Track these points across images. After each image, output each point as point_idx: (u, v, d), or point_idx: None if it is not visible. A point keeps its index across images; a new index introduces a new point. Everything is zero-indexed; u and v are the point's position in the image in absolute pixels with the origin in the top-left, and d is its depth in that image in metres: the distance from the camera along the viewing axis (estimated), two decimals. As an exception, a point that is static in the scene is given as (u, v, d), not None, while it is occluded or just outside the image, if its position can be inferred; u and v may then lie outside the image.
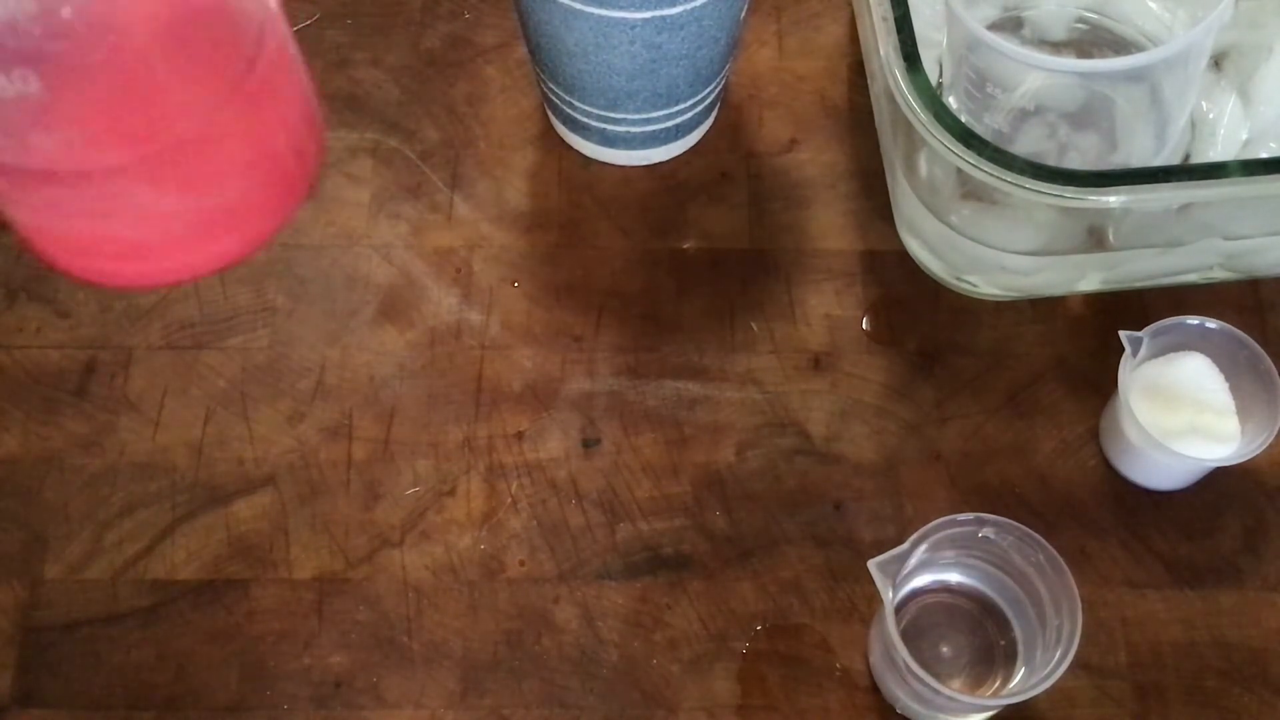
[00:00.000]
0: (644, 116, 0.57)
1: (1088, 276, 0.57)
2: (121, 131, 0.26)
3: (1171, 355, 0.54)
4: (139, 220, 0.27)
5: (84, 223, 0.27)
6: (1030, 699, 0.45)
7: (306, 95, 0.30)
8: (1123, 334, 0.52)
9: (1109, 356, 0.54)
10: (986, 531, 0.47)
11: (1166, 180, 0.48)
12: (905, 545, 0.45)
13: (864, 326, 0.58)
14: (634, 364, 0.57)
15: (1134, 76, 0.55)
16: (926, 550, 0.48)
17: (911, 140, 0.54)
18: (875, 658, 0.51)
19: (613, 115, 0.57)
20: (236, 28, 0.26)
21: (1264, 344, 0.51)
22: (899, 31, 0.49)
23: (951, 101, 0.56)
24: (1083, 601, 0.45)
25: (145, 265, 0.30)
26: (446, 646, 0.52)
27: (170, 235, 0.28)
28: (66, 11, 0.24)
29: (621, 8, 0.49)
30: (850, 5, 0.65)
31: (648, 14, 0.49)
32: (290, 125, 0.29)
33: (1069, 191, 0.47)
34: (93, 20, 0.25)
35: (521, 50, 0.64)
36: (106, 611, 0.52)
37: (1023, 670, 0.50)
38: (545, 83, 0.58)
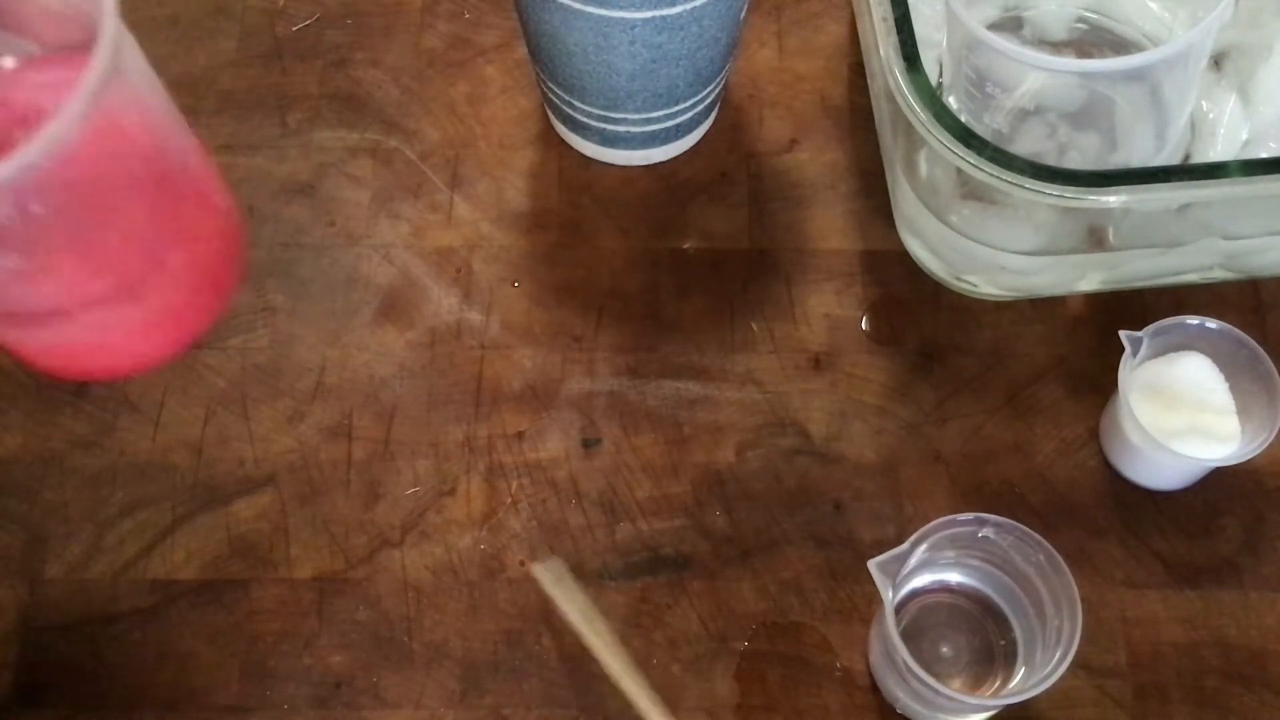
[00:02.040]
0: (644, 116, 0.57)
1: (1088, 276, 0.57)
2: (89, 271, 0.29)
3: (1171, 355, 0.54)
4: (101, 330, 0.31)
5: (46, 334, 0.31)
6: (1030, 699, 0.45)
7: (231, 206, 0.34)
8: (1123, 334, 0.52)
9: (1109, 356, 0.54)
10: (986, 531, 0.47)
11: (1166, 180, 0.48)
12: (905, 545, 0.45)
13: (864, 326, 0.58)
14: (634, 364, 0.57)
15: (1134, 76, 0.55)
16: (926, 550, 0.48)
17: (911, 140, 0.54)
18: (875, 658, 0.51)
19: (613, 115, 0.57)
20: (169, 166, 0.29)
21: (1264, 344, 0.51)
22: (899, 31, 0.49)
23: (951, 101, 0.56)
24: (1083, 601, 0.45)
25: (100, 363, 0.34)
26: (446, 646, 0.52)
27: (121, 339, 0.32)
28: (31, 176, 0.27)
29: (621, 8, 0.49)
30: (850, 5, 0.65)
31: (648, 14, 0.49)
32: (223, 235, 0.33)
33: (1069, 191, 0.47)
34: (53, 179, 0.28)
35: (521, 50, 0.64)
36: (106, 611, 0.52)
37: (1023, 670, 0.50)
38: (545, 83, 0.58)
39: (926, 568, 0.51)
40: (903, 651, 0.44)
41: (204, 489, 0.54)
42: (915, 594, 0.52)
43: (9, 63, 0.31)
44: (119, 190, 0.28)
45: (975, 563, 0.51)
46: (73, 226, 0.28)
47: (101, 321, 0.31)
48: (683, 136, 0.61)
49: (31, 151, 0.26)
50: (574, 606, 0.44)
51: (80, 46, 0.30)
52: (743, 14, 0.54)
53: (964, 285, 0.58)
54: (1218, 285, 0.59)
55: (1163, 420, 0.52)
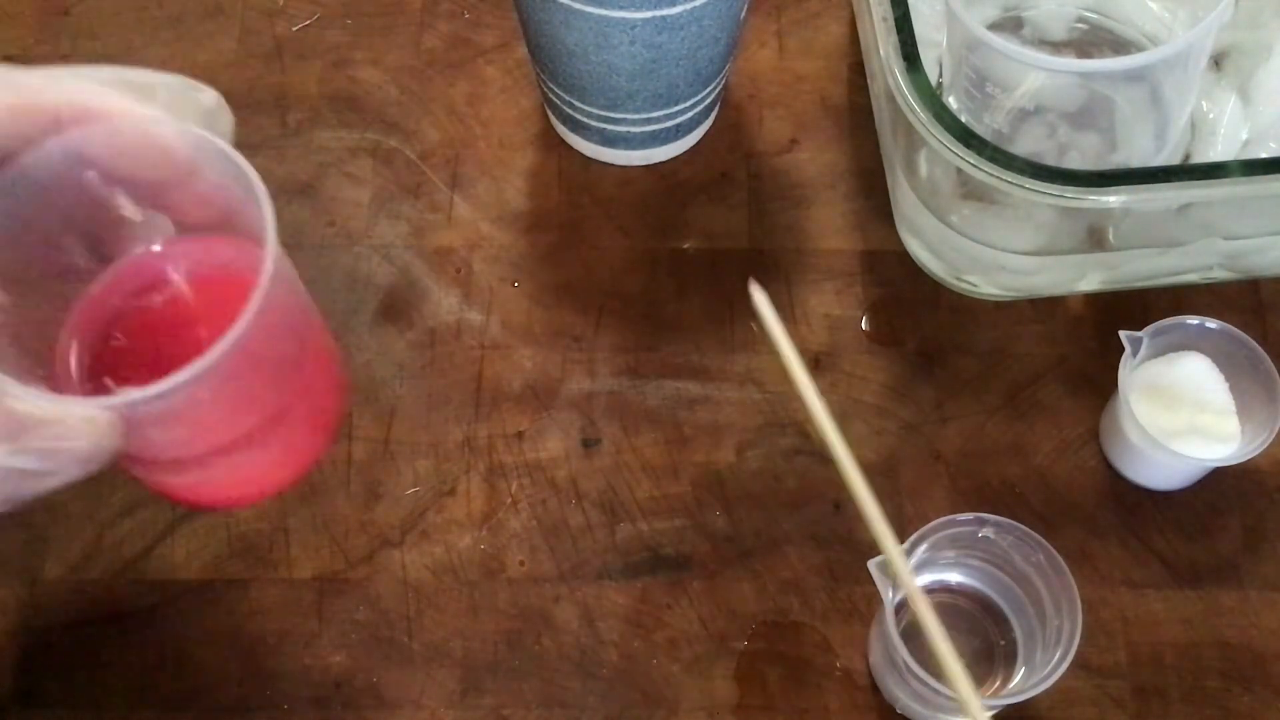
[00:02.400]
0: (644, 116, 0.57)
1: (1088, 276, 0.57)
2: (231, 431, 0.32)
3: (1171, 355, 0.54)
4: (228, 472, 0.34)
5: (179, 478, 0.34)
6: (1030, 699, 0.45)
7: (337, 349, 0.37)
8: (1123, 334, 0.52)
9: (1109, 356, 0.54)
10: (986, 531, 0.47)
11: (1166, 180, 0.48)
12: (905, 545, 0.45)
13: (864, 326, 0.58)
14: (634, 364, 0.57)
15: (1134, 76, 0.56)
16: (926, 550, 0.48)
17: (911, 140, 0.54)
18: (875, 658, 0.51)
19: (613, 115, 0.57)
20: (299, 328, 0.31)
21: (1264, 344, 0.51)
22: (899, 31, 0.49)
23: (951, 101, 0.56)
24: (1083, 601, 0.45)
25: (225, 497, 0.38)
26: (446, 646, 0.52)
27: (247, 478, 0.35)
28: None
29: (621, 8, 0.49)
30: (850, 5, 0.65)
31: (648, 14, 0.49)
32: (335, 379, 0.37)
33: (1069, 191, 0.47)
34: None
35: (521, 50, 0.64)
36: (106, 611, 0.52)
37: (1023, 670, 0.50)
38: (545, 83, 0.58)
39: (926, 568, 0.51)
40: (903, 651, 0.44)
41: (204, 489, 0.55)
42: (915, 594, 0.52)
43: (156, 247, 0.34)
44: (266, 360, 0.31)
45: (975, 563, 0.51)
46: (228, 399, 0.31)
47: (230, 466, 0.34)
48: (683, 136, 0.61)
49: (216, 352, 0.28)
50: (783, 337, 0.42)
51: (216, 226, 0.33)
52: (743, 14, 0.54)
53: (964, 285, 0.58)
54: (1218, 285, 0.59)
55: (1163, 420, 0.52)
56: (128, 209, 0.32)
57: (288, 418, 0.33)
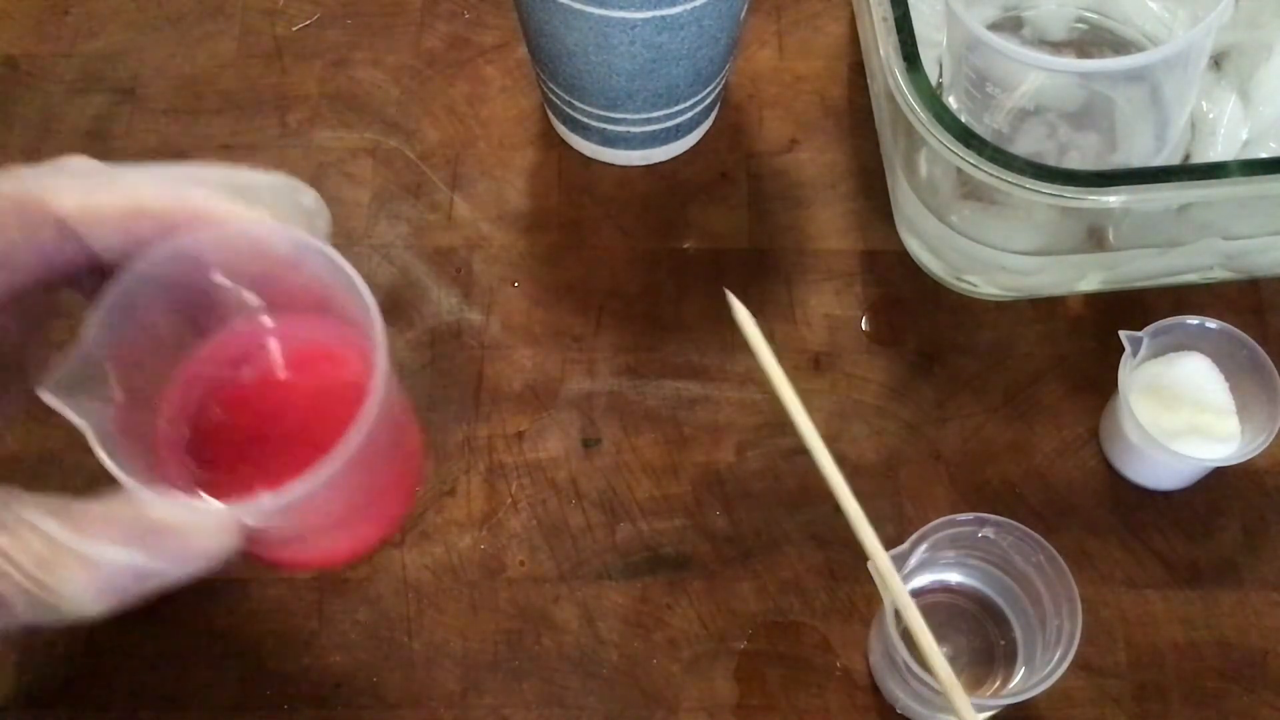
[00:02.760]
0: (644, 116, 0.57)
1: (1088, 276, 0.57)
2: (333, 516, 0.33)
3: (1171, 355, 0.54)
4: (323, 542, 0.36)
5: (279, 551, 0.36)
6: (1030, 699, 0.45)
7: (419, 427, 0.38)
8: (1123, 334, 0.52)
9: (1109, 356, 0.54)
10: (986, 531, 0.47)
11: (1166, 180, 0.48)
12: (905, 545, 0.46)
13: (864, 326, 0.58)
14: (634, 364, 0.57)
15: (1134, 76, 0.56)
16: (926, 550, 0.48)
17: (911, 140, 0.54)
18: (875, 658, 0.51)
19: (613, 115, 0.57)
20: (394, 417, 0.32)
21: (1264, 344, 0.51)
22: (899, 31, 0.49)
23: (951, 101, 0.56)
24: (1083, 601, 0.45)
25: (318, 560, 0.40)
26: (446, 646, 0.52)
27: (339, 546, 0.37)
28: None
29: (621, 8, 0.49)
30: (850, 5, 0.65)
31: (648, 14, 0.49)
32: (418, 457, 0.38)
33: (1069, 191, 0.47)
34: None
35: (521, 50, 0.64)
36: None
37: (1023, 670, 0.50)
38: (545, 83, 0.58)
39: (926, 568, 0.51)
40: (903, 651, 0.44)
41: (204, 489, 0.54)
42: (915, 594, 0.52)
43: (254, 321, 0.36)
44: (375, 448, 0.32)
45: (975, 563, 0.51)
46: (339, 490, 0.32)
47: (330, 538, 0.35)
48: (683, 136, 0.61)
49: (339, 457, 0.30)
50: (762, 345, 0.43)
51: (311, 308, 0.34)
52: (743, 14, 0.54)
53: (964, 285, 0.58)
54: (1218, 285, 0.59)
55: (1163, 420, 0.52)
56: (231, 296, 0.34)
57: (386, 488, 0.35)
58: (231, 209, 0.32)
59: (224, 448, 0.34)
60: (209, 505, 0.31)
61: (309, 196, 0.34)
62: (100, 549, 0.30)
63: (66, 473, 0.55)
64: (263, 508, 0.30)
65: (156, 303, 0.32)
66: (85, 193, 0.31)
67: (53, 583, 0.31)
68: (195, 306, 0.33)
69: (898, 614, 0.44)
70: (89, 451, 0.55)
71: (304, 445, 0.33)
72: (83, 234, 0.31)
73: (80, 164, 0.33)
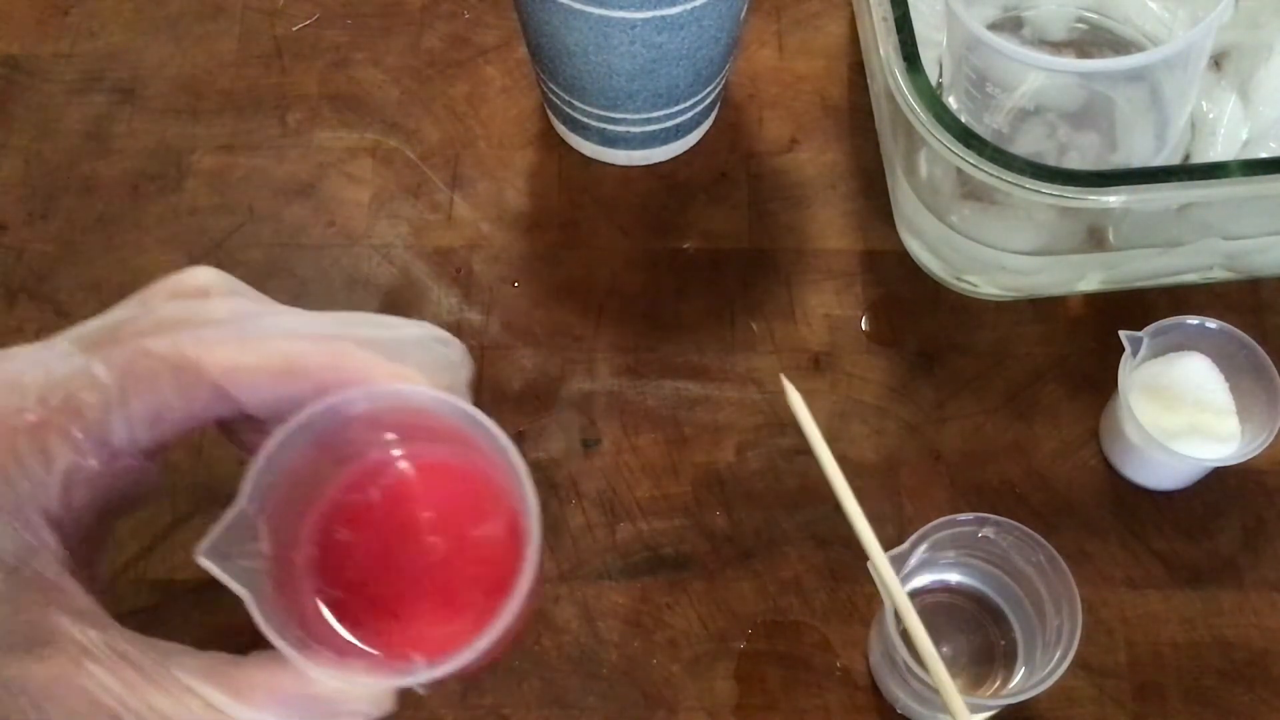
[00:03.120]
0: (644, 116, 0.57)
1: (1088, 276, 0.57)
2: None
3: (1171, 355, 0.54)
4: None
5: None
6: (1030, 699, 0.45)
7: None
8: (1123, 334, 0.52)
9: (1109, 356, 0.54)
10: (986, 531, 0.47)
11: (1166, 180, 0.48)
12: (905, 545, 0.45)
13: (864, 326, 0.58)
14: (634, 364, 0.57)
15: (1134, 76, 0.56)
16: (926, 550, 0.48)
17: (911, 140, 0.54)
18: (875, 658, 0.51)
19: (613, 115, 0.57)
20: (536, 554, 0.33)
21: (1264, 344, 0.51)
22: (899, 31, 0.49)
23: (951, 101, 0.56)
24: (1083, 601, 0.45)
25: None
26: (446, 646, 0.52)
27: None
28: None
29: (621, 8, 0.49)
30: (850, 5, 0.65)
31: (648, 14, 0.49)
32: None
33: (1069, 191, 0.47)
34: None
35: (521, 50, 0.64)
36: (107, 611, 0.52)
37: (1023, 670, 0.50)
38: (545, 83, 0.58)
39: (926, 568, 0.51)
40: (903, 651, 0.44)
41: (204, 489, 0.54)
42: (915, 594, 0.52)
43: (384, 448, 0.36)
44: (524, 595, 0.33)
45: (975, 563, 0.51)
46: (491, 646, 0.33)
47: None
48: (683, 136, 0.61)
49: (502, 622, 0.31)
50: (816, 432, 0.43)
51: (433, 438, 0.35)
52: (743, 14, 0.54)
53: (964, 285, 0.58)
54: (1218, 285, 0.59)
55: (1163, 420, 0.52)
56: (373, 435, 0.35)
57: (524, 621, 0.35)
58: (380, 369, 0.32)
59: (352, 567, 0.35)
60: (370, 678, 0.32)
61: (455, 349, 0.35)
62: (265, 719, 0.31)
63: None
64: (420, 677, 0.31)
65: (303, 451, 0.32)
66: (238, 353, 0.32)
67: None
68: (335, 446, 0.34)
69: (898, 614, 0.44)
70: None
71: (434, 565, 0.34)
72: (235, 395, 0.32)
73: (207, 276, 0.33)
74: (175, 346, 0.31)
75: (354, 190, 0.61)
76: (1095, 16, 0.60)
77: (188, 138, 0.62)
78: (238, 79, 0.64)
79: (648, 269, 0.59)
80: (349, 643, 0.34)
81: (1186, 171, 0.48)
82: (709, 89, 0.57)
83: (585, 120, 0.58)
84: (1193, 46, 0.50)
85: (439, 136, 0.62)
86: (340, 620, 0.34)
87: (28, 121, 0.63)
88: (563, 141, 0.62)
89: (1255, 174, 0.47)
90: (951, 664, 0.51)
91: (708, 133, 0.62)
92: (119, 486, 0.33)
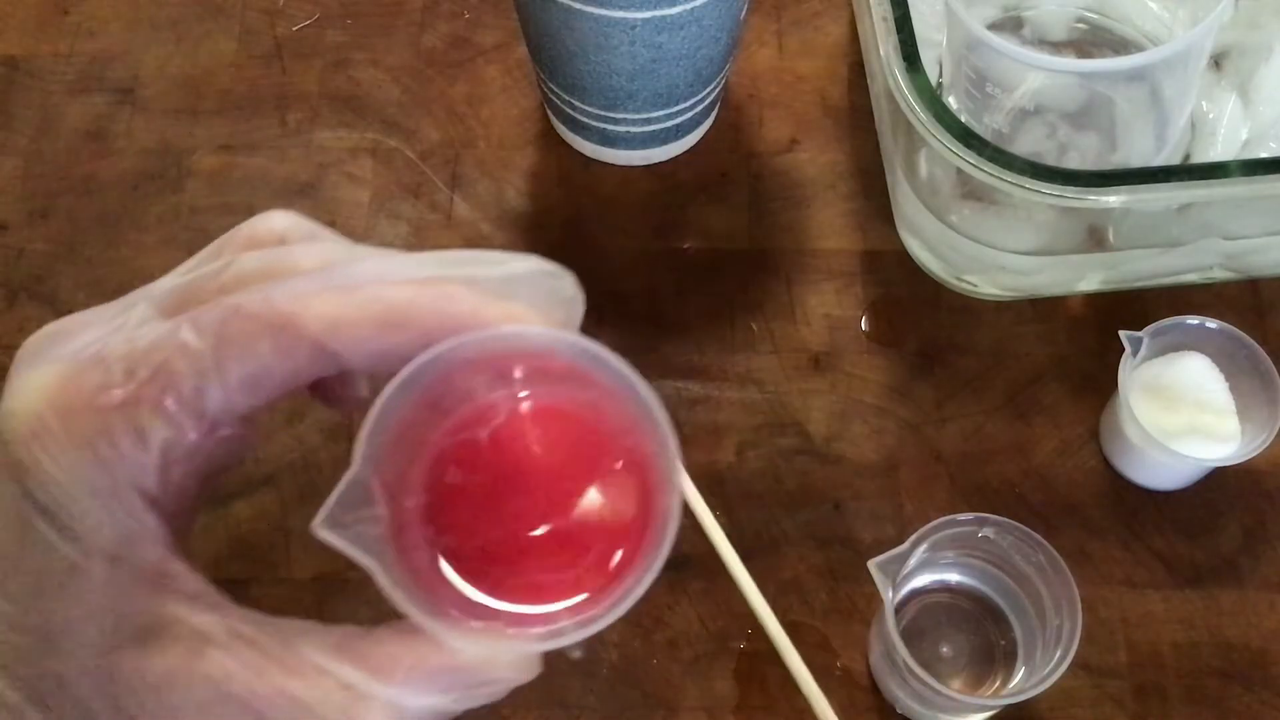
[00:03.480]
0: (644, 116, 0.57)
1: (1088, 276, 0.57)
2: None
3: (1171, 355, 0.54)
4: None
5: None
6: (1030, 699, 0.45)
7: None
8: (1123, 334, 0.52)
9: (1109, 356, 0.54)
10: (986, 531, 0.47)
11: (1166, 180, 0.48)
12: (905, 545, 0.45)
13: (864, 326, 0.58)
14: (634, 364, 0.57)
15: (1134, 76, 0.56)
16: (926, 550, 0.48)
17: (911, 140, 0.54)
18: (875, 658, 0.51)
19: (613, 115, 0.57)
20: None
21: (1264, 344, 0.51)
22: (899, 31, 0.49)
23: (951, 101, 0.56)
24: (1083, 601, 0.45)
25: None
26: (446, 646, 0.52)
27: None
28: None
29: (621, 8, 0.49)
30: (850, 5, 0.65)
31: (648, 14, 0.49)
32: None
33: (1069, 191, 0.47)
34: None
35: (521, 50, 0.64)
36: (106, 611, 0.52)
37: (1023, 670, 0.50)
38: (545, 83, 0.58)
39: (926, 568, 0.51)
40: (903, 651, 0.44)
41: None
42: (915, 594, 0.52)
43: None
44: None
45: (975, 563, 0.51)
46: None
47: None
48: (683, 136, 0.61)
49: (643, 580, 0.31)
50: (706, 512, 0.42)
51: (547, 378, 0.33)
52: (743, 14, 0.54)
53: (964, 285, 0.58)
54: (1218, 285, 0.59)
55: (1163, 420, 0.52)
56: (480, 379, 0.33)
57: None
58: (489, 313, 0.30)
59: (464, 512, 0.33)
60: (519, 644, 0.30)
61: (568, 284, 0.32)
62: (407, 696, 0.29)
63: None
64: (573, 637, 0.30)
65: (411, 403, 0.31)
66: (338, 306, 0.29)
67: None
68: (444, 394, 0.32)
69: (898, 614, 0.45)
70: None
71: (550, 508, 0.32)
72: (337, 351, 0.29)
73: (284, 220, 0.31)
74: (269, 303, 0.28)
75: (354, 190, 0.61)
76: (1095, 16, 0.60)
77: (188, 138, 0.62)
78: (238, 79, 0.64)
79: (647, 269, 0.59)
80: (472, 601, 0.32)
81: (1186, 171, 0.48)
82: (709, 89, 0.57)
83: (585, 120, 0.58)
84: (1193, 46, 0.50)
85: (439, 136, 0.62)
86: (457, 572, 0.32)
87: (28, 121, 0.63)
88: (563, 141, 0.62)
89: (1255, 174, 0.47)
90: (951, 664, 0.51)
91: (708, 133, 0.62)
92: (216, 456, 0.30)
